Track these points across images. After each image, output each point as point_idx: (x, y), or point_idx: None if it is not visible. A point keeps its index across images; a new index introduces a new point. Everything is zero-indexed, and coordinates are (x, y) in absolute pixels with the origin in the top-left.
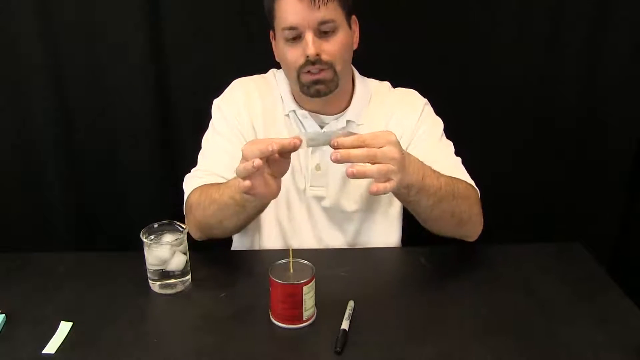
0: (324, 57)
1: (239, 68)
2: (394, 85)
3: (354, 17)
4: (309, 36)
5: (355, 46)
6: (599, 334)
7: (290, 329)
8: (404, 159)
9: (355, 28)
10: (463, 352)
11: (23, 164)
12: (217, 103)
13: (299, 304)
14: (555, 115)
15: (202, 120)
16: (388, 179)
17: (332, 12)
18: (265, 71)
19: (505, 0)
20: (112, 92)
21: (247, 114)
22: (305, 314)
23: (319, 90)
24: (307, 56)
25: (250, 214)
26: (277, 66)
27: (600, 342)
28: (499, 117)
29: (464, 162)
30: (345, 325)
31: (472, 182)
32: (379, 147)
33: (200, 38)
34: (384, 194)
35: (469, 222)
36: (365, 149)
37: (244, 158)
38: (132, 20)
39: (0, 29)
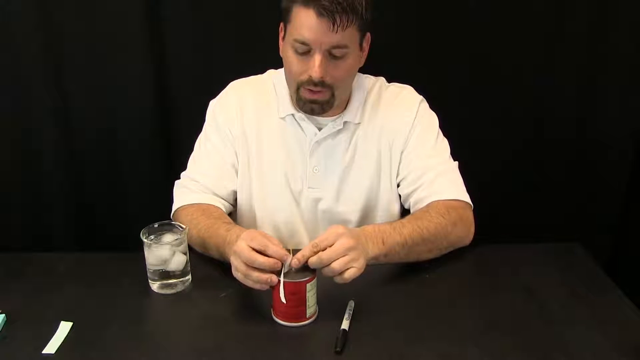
0: (327, 79)
1: (239, 68)
2: (389, 80)
3: (368, 35)
4: (318, 58)
5: (361, 64)
6: (598, 334)
7: (293, 327)
8: (359, 243)
9: (366, 46)
10: (462, 353)
11: (23, 164)
12: (211, 106)
13: (302, 301)
14: (555, 115)
15: (202, 120)
16: (350, 267)
17: (347, 37)
18: (265, 71)
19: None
20: (112, 92)
21: (240, 121)
22: (309, 312)
23: (313, 109)
24: (311, 76)
25: None
26: (277, 66)
27: (600, 342)
28: (498, 117)
29: (462, 163)
30: (345, 325)
31: (459, 192)
32: (331, 245)
33: (200, 38)
34: (353, 277)
35: (450, 246)
36: (319, 257)
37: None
38: (132, 20)
39: (1, 29)
